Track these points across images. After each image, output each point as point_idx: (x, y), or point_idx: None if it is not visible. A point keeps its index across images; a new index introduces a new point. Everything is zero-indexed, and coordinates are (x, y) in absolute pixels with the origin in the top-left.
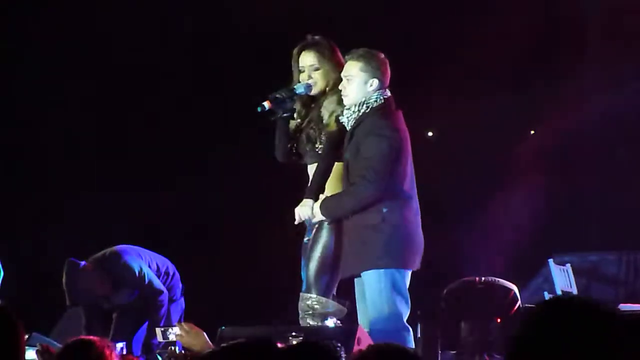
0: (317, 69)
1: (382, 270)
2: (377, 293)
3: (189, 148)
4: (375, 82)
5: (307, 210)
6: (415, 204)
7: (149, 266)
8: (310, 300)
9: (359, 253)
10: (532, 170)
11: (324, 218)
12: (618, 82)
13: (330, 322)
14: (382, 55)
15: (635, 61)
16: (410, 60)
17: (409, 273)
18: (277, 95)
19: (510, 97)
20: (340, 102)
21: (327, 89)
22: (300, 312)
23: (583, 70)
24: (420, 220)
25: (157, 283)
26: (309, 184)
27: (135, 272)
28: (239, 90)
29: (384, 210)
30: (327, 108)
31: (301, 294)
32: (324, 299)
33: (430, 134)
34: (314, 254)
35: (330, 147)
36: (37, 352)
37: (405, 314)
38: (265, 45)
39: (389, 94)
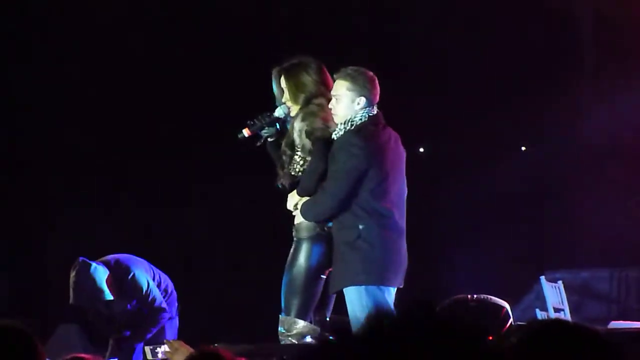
0: (287, 94)
1: (362, 287)
2: (359, 310)
3: (186, 166)
4: (362, 101)
5: (290, 203)
6: (399, 222)
7: (153, 279)
8: (282, 322)
9: (339, 270)
10: (524, 186)
11: (298, 214)
12: (611, 100)
13: (309, 340)
14: (370, 73)
15: (629, 78)
16: (400, 76)
17: (392, 290)
18: (255, 121)
19: (503, 113)
20: (304, 118)
21: (298, 109)
22: (279, 335)
23: (576, 87)
24: (404, 240)
25: (161, 301)
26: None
27: (142, 288)
28: (242, 105)
29: (360, 227)
30: (295, 128)
31: (280, 317)
32: (292, 319)
33: (421, 150)
34: (286, 274)
35: (314, 158)
36: None
37: None
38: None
39: (375, 111)
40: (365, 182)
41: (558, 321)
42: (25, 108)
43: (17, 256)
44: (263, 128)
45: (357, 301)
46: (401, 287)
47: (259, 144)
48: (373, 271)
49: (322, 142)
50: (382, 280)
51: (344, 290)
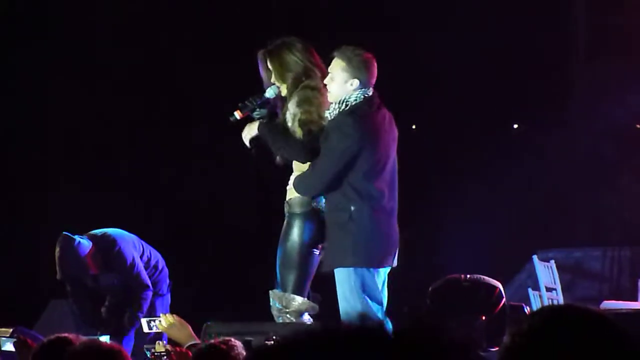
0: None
1: (351, 268)
2: (348, 291)
3: (180, 141)
4: (355, 82)
5: (245, 133)
6: (390, 202)
7: (141, 257)
8: (276, 297)
9: (330, 251)
10: (517, 165)
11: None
12: (604, 81)
13: (307, 317)
14: (368, 55)
15: (623, 60)
16: (397, 56)
17: (382, 271)
18: (247, 103)
19: (496, 93)
20: (300, 103)
21: (290, 90)
22: (272, 310)
23: (571, 68)
24: (395, 220)
25: (145, 277)
26: None
27: (126, 261)
28: (242, 83)
29: (352, 208)
30: (290, 111)
31: (273, 291)
32: (289, 296)
33: (414, 127)
34: (280, 250)
35: (300, 149)
36: (14, 343)
37: (379, 311)
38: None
39: (370, 92)
40: (358, 163)
41: (571, 307)
42: (21, 87)
43: (8, 231)
44: (254, 110)
45: (346, 282)
46: (394, 266)
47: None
48: (362, 253)
49: (311, 138)
50: (371, 263)
51: (334, 270)
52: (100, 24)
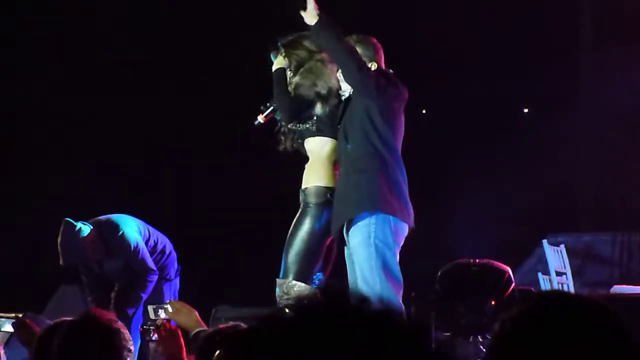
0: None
1: (373, 217)
2: (365, 236)
3: (191, 128)
4: (374, 65)
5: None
6: (404, 173)
7: (146, 242)
8: (278, 284)
9: (350, 198)
10: (527, 149)
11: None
12: (614, 68)
13: None
14: (375, 40)
15: (631, 47)
16: (404, 40)
17: (403, 227)
18: (268, 105)
19: (505, 77)
20: (303, 72)
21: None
22: (277, 298)
23: (579, 53)
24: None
25: (150, 262)
26: None
27: (130, 247)
28: (248, 70)
29: (379, 159)
30: (295, 78)
31: (277, 280)
32: (291, 282)
33: (424, 111)
34: (292, 239)
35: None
36: (13, 324)
37: (393, 262)
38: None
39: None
40: (386, 113)
41: (559, 293)
42: (21, 73)
43: (17, 216)
44: (276, 111)
45: (364, 227)
46: (412, 227)
47: (277, 127)
48: (389, 201)
49: (298, 101)
50: (394, 211)
51: (354, 222)
52: (101, 23)
